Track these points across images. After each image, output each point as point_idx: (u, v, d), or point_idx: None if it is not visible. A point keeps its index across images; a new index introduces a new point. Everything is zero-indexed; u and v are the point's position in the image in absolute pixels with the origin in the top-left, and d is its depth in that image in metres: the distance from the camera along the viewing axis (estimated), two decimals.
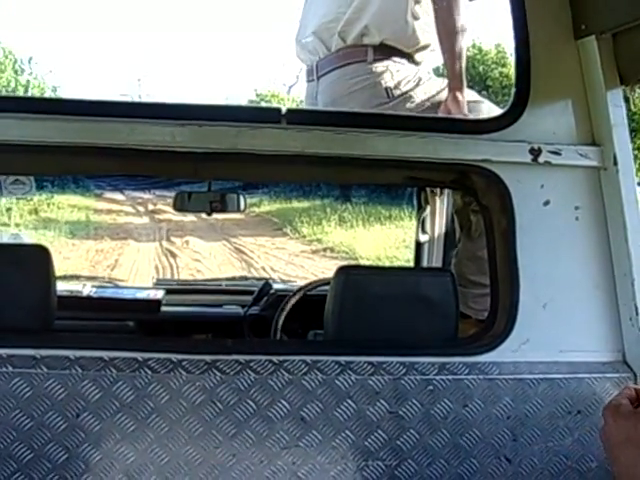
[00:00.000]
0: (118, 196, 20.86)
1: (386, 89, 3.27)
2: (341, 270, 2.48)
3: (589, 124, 2.42)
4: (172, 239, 17.08)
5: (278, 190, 20.75)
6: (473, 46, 22.47)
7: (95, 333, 3.48)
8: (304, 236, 19.09)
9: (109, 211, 20.20)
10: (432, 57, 3.38)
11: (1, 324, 2.22)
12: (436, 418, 2.25)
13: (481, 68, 21.47)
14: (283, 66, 28.02)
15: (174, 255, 15.84)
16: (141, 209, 20.70)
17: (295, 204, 21.33)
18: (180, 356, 2.21)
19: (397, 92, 3.27)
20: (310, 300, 3.47)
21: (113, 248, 16.55)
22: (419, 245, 4.06)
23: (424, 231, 3.86)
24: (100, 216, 19.81)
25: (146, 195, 20.53)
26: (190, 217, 17.63)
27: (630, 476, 1.33)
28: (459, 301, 2.44)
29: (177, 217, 17.78)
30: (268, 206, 21.34)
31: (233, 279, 5.17)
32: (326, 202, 20.49)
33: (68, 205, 19.68)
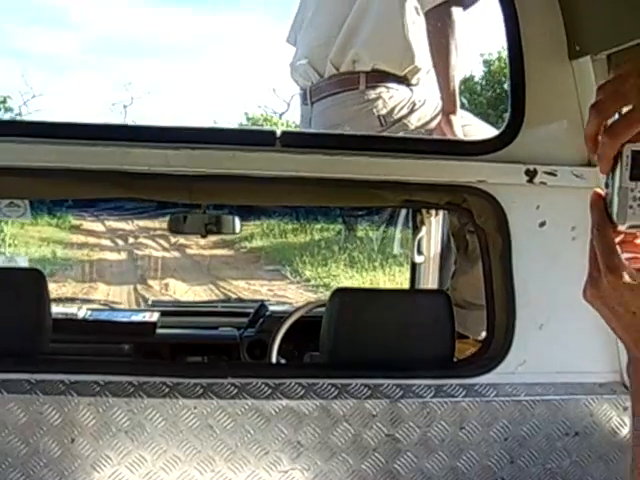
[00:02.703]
0: (98, 227, 18.38)
1: (379, 117, 3.27)
2: (337, 292, 2.47)
3: (585, 145, 2.41)
4: (149, 282, 14.31)
5: (272, 222, 17.58)
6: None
7: (90, 356, 3.47)
8: (307, 280, 15.66)
9: (83, 245, 17.59)
10: (428, 79, 3.37)
11: None
12: (433, 441, 2.24)
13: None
14: (274, 92, 27.78)
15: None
16: (120, 243, 18.14)
17: (291, 238, 18.40)
18: (176, 380, 2.20)
19: (390, 119, 3.28)
20: (306, 322, 3.45)
21: (76, 293, 13.64)
22: (415, 266, 4.05)
23: (420, 252, 3.86)
24: (72, 251, 17.07)
25: (129, 226, 17.84)
26: (173, 253, 16.09)
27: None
28: (455, 322, 2.43)
29: (158, 253, 16.05)
30: (260, 241, 18.40)
31: (228, 301, 5.16)
32: (329, 236, 17.49)
33: (39, 238, 16.98)
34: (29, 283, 2.32)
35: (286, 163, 2.32)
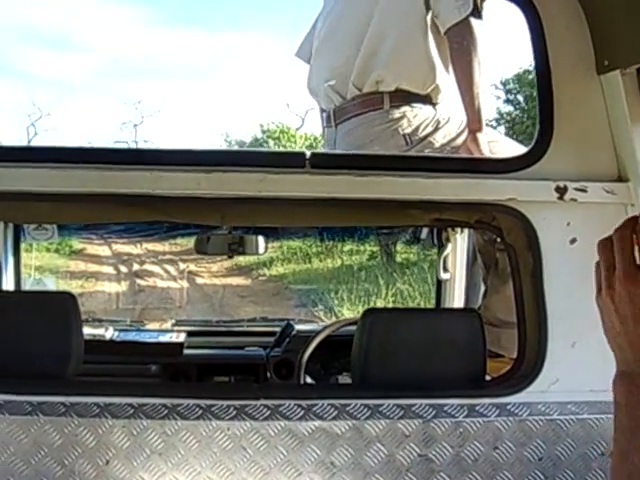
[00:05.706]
0: (104, 251, 17.02)
1: (404, 136, 3.28)
2: (368, 312, 2.47)
3: (615, 160, 2.41)
4: (147, 324, 10.71)
5: (294, 244, 16.44)
6: None
7: (119, 377, 3.48)
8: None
9: (80, 274, 15.41)
10: (451, 96, 3.37)
11: (31, 371, 2.22)
12: (466, 461, 2.22)
13: None
14: (287, 107, 27.70)
15: None
16: (124, 270, 16.16)
17: (316, 264, 16.38)
18: (208, 402, 2.20)
19: (415, 138, 3.28)
20: (332, 341, 3.45)
21: None
22: (440, 284, 4.04)
23: (446, 270, 3.85)
24: (64, 281, 14.57)
25: (136, 250, 16.57)
26: (183, 282, 14.81)
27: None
28: (489, 341, 2.42)
29: (163, 283, 14.84)
30: (281, 267, 16.35)
31: (254, 320, 5.16)
32: (362, 261, 15.67)
33: (33, 266, 13.82)
34: (62, 306, 2.33)
35: (316, 185, 2.33)
